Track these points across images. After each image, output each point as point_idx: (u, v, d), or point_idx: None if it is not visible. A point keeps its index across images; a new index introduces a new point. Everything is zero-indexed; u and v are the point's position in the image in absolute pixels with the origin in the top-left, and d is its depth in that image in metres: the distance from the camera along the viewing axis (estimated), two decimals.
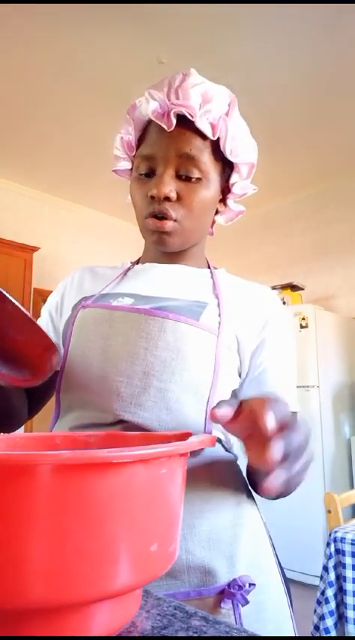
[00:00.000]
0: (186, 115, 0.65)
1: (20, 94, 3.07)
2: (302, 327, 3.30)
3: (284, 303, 3.68)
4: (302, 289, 3.88)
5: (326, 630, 1.43)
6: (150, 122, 0.69)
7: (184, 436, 0.43)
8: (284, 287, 3.77)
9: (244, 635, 0.35)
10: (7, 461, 0.27)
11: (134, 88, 2.94)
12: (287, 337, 0.72)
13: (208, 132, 0.66)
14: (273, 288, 3.76)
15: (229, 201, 0.77)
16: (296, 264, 4.31)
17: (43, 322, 0.80)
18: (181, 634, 0.34)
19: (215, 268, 0.77)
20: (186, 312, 0.64)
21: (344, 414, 3.42)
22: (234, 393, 0.69)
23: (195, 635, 0.34)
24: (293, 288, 3.80)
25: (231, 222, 0.81)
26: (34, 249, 4.04)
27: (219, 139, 0.68)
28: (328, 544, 1.55)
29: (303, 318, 3.30)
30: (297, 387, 0.76)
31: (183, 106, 0.64)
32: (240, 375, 0.70)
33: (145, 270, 0.75)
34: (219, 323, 0.66)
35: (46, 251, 4.37)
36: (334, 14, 2.38)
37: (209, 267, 0.78)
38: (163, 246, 0.70)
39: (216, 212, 0.77)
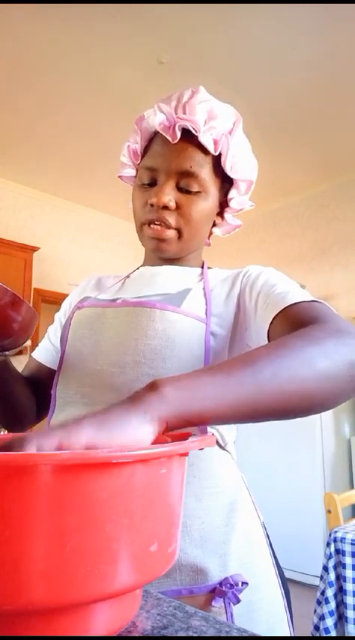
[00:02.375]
0: (191, 129, 0.67)
1: (20, 95, 3.07)
2: None
3: None
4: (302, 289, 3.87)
5: (326, 630, 1.42)
6: (155, 134, 0.72)
7: (184, 436, 0.43)
8: None
9: (244, 635, 0.35)
10: (7, 461, 0.27)
11: (134, 88, 2.95)
12: (269, 269, 0.70)
13: (210, 147, 0.69)
14: None
15: (227, 215, 0.79)
16: (296, 263, 4.31)
17: (54, 327, 0.85)
18: (181, 634, 0.34)
19: (209, 268, 0.79)
20: (171, 301, 0.67)
21: (344, 414, 3.42)
22: None
23: (195, 635, 0.34)
24: None
25: (228, 235, 0.84)
26: (34, 249, 4.04)
27: (220, 154, 0.71)
28: (328, 544, 1.55)
29: None
30: None
31: (189, 121, 0.67)
32: (238, 329, 0.67)
33: (140, 275, 0.77)
34: (207, 310, 0.67)
35: (46, 251, 4.37)
36: (337, 13, 2.38)
37: (202, 267, 0.80)
38: (161, 253, 0.72)
39: (214, 224, 0.80)
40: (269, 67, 2.79)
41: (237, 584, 0.57)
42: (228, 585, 0.57)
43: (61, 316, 0.85)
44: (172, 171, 0.69)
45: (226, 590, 0.57)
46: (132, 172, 0.78)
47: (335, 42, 2.58)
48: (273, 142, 3.50)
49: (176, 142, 0.67)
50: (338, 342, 0.46)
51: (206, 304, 0.68)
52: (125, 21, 2.46)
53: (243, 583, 0.58)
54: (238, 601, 0.57)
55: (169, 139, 0.68)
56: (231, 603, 0.57)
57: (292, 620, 0.66)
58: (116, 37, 2.58)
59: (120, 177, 0.80)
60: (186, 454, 0.37)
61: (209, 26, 2.48)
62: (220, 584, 0.58)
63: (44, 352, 0.83)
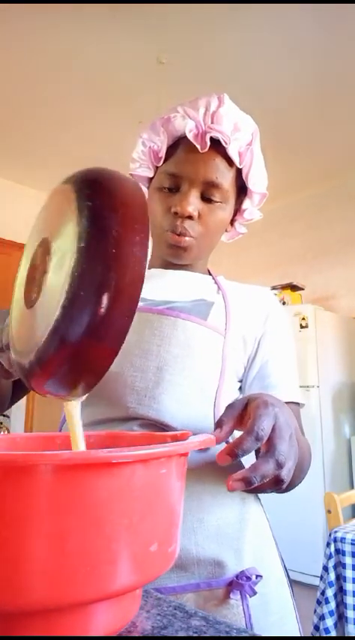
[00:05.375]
0: (221, 140, 0.68)
1: (20, 94, 3.07)
2: (302, 327, 3.29)
3: (284, 303, 3.68)
4: (302, 289, 3.88)
5: (326, 630, 1.42)
6: (180, 139, 0.71)
7: (184, 436, 0.43)
8: (284, 287, 3.76)
9: (244, 635, 0.35)
10: (7, 461, 0.27)
11: (134, 88, 2.95)
12: (286, 331, 0.77)
13: (236, 159, 0.70)
14: (273, 288, 3.76)
15: (236, 223, 0.81)
16: (296, 264, 4.30)
17: None
18: (181, 634, 0.34)
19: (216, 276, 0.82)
20: (195, 312, 0.69)
21: (344, 414, 3.42)
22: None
23: (195, 635, 0.34)
24: (293, 288, 3.79)
25: (232, 240, 0.86)
26: None
27: (241, 167, 0.72)
28: (328, 544, 1.55)
29: (303, 318, 3.30)
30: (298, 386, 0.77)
31: (219, 132, 0.67)
32: (245, 370, 0.74)
33: (153, 275, 0.78)
34: (226, 324, 0.71)
35: None
36: (337, 14, 2.38)
37: (210, 274, 0.83)
38: (177, 260, 0.74)
39: None
40: (269, 68, 2.79)
41: (252, 577, 0.60)
42: (244, 578, 0.60)
43: None
44: (198, 181, 0.69)
45: (243, 583, 0.59)
46: (147, 172, 0.77)
47: (333, 43, 2.58)
48: (273, 143, 3.50)
49: (205, 151, 0.68)
50: (310, 458, 0.69)
51: (226, 318, 0.71)
52: (125, 21, 2.46)
53: (257, 576, 0.61)
54: (254, 593, 0.60)
55: (198, 147, 0.67)
56: (248, 595, 0.60)
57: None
58: (116, 37, 2.58)
59: (131, 174, 0.80)
60: (185, 454, 0.37)
61: (209, 26, 2.48)
62: (237, 577, 0.60)
63: None
